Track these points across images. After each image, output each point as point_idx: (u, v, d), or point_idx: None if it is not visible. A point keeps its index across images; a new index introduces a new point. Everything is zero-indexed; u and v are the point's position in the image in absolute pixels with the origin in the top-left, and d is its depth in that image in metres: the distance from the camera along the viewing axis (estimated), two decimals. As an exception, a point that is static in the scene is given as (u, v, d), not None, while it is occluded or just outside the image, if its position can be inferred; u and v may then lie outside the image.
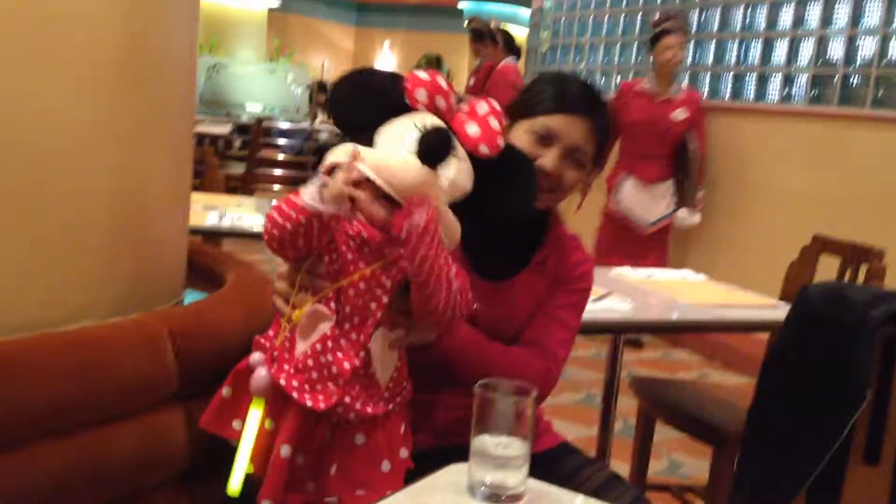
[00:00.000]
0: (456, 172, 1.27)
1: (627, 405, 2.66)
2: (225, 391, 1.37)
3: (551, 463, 1.70)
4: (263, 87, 8.93)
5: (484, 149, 1.29)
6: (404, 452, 1.33)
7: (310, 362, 1.26)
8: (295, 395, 1.25)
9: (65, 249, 1.45)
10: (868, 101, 4.26)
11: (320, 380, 1.26)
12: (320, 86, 9.64)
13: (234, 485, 1.24)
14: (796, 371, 1.85)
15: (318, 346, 1.26)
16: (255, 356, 1.32)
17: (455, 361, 1.45)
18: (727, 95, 5.04)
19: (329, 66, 13.94)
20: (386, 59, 15.97)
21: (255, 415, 1.29)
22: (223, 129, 7.75)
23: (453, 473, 1.11)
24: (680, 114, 4.63)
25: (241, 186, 6.43)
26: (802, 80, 4.62)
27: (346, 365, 1.26)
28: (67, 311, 1.46)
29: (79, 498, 1.31)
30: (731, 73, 5.04)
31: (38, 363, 1.28)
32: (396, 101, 1.29)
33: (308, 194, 1.22)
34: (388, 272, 1.27)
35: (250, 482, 1.31)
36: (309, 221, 1.23)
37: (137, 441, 1.38)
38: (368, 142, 1.27)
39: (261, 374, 1.29)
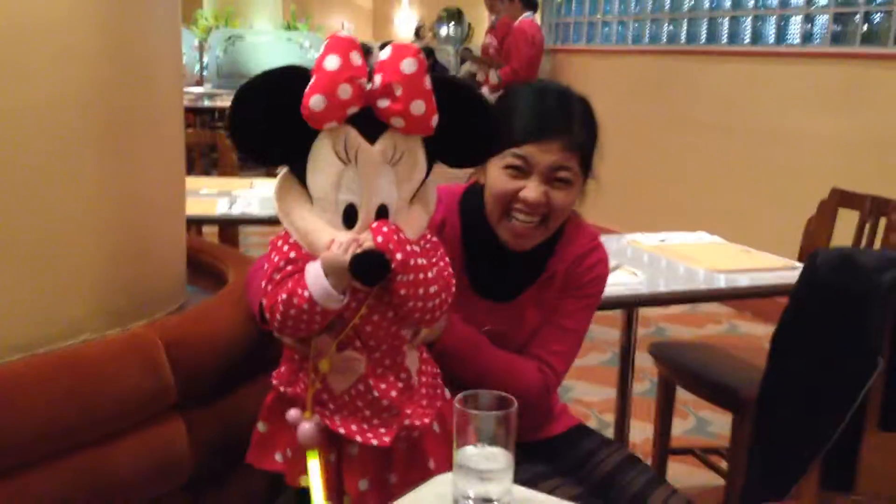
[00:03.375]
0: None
1: (652, 364, 2.64)
2: (260, 426, 1.38)
3: (568, 445, 1.71)
4: (281, 56, 8.77)
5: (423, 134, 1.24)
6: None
7: (359, 403, 1.29)
8: (359, 438, 1.28)
9: (54, 264, 1.45)
10: (892, 39, 4.10)
11: (375, 414, 1.29)
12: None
13: None
14: (808, 339, 1.82)
15: (361, 387, 1.28)
16: (292, 413, 1.30)
17: (451, 362, 1.45)
18: (746, 39, 4.90)
19: (349, 26, 13.79)
20: (405, 14, 15.78)
21: (315, 465, 1.28)
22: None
23: (440, 485, 1.11)
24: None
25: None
26: (823, 19, 4.47)
27: (394, 393, 1.28)
28: (62, 327, 1.46)
29: (82, 517, 1.33)
30: (750, 16, 4.89)
31: (29, 387, 1.29)
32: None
33: (321, 294, 1.20)
34: (388, 294, 1.26)
35: None
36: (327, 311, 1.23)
37: (138, 456, 1.39)
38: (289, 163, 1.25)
39: (306, 428, 1.28)
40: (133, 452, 1.39)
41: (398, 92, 1.17)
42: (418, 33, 12.51)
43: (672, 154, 5.33)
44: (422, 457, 1.35)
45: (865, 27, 4.23)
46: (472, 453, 1.05)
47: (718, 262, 2.39)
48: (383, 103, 1.18)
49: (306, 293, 1.19)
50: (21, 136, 1.38)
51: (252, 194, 3.11)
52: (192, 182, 3.26)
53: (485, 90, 6.42)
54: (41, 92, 1.40)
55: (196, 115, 7.61)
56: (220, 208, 2.87)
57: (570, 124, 1.47)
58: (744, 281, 2.27)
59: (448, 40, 12.44)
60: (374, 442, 1.27)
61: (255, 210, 2.85)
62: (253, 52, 8.41)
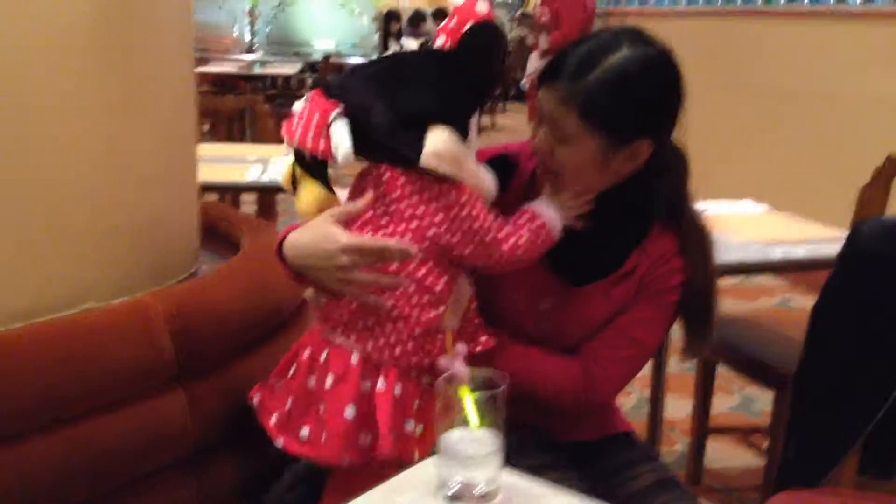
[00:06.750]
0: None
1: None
2: (349, 412, 1.25)
3: (604, 452, 1.55)
4: (332, 22, 8.72)
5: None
6: None
7: (477, 321, 1.36)
8: (479, 348, 1.34)
9: (56, 232, 1.42)
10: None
11: (478, 331, 1.36)
12: (389, 15, 9.40)
13: None
14: (850, 312, 1.71)
15: (473, 307, 1.35)
16: (444, 361, 1.21)
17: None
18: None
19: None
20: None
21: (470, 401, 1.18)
22: (293, 68, 7.72)
23: (423, 471, 1.04)
24: None
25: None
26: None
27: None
28: (66, 295, 1.44)
29: (79, 489, 1.30)
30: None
31: (26, 355, 1.27)
32: None
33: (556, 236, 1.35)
34: None
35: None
36: None
37: (137, 428, 1.36)
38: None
39: (463, 370, 1.16)
40: (132, 424, 1.36)
41: None
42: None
43: (726, 119, 5.14)
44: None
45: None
46: (458, 437, 0.99)
47: (763, 233, 2.28)
48: None
49: (554, 234, 1.33)
50: (23, 101, 1.34)
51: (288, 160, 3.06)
52: (238, 149, 3.26)
53: (534, 56, 6.29)
54: (41, 55, 1.36)
55: (247, 83, 7.62)
56: (252, 175, 2.83)
57: (579, 73, 1.24)
58: (787, 255, 2.15)
59: (503, 5, 12.23)
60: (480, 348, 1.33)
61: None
62: (304, 19, 8.37)
